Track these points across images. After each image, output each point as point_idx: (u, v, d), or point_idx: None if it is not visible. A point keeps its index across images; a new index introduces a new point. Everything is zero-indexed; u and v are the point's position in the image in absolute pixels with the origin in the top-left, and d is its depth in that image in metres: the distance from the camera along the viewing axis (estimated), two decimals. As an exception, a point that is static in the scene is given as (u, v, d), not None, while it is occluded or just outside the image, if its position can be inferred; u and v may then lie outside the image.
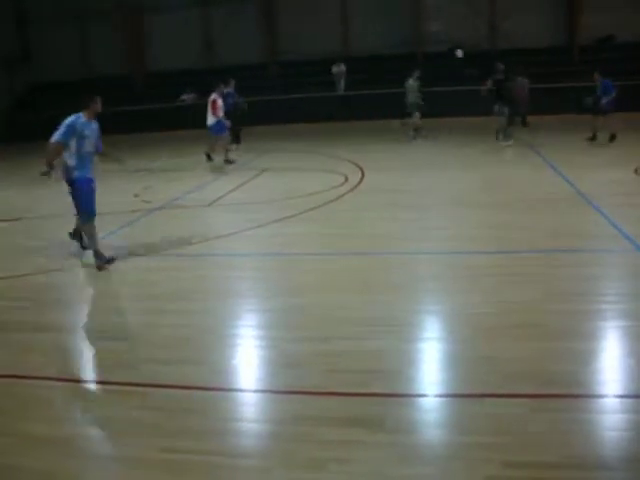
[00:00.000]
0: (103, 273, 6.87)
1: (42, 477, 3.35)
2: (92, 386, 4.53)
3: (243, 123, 16.56)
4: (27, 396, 4.24)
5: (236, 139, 16.04)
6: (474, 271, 6.27)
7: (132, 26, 25.56)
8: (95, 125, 6.98)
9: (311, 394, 4.03)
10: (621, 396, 3.86)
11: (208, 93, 14.01)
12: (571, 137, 15.07)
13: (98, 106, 6.94)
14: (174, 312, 5.62)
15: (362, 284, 6.10)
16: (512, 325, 4.87)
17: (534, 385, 3.95)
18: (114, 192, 10.85)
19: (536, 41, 22.25)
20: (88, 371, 4.79)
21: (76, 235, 7.57)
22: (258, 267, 7.12)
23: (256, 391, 4.28)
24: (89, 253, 7.20)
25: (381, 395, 4.00)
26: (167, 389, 4.22)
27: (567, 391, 3.87)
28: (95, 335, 5.36)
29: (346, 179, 11.45)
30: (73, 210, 7.24)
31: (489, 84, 15.12)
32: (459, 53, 22.88)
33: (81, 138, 6.76)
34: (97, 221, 7.09)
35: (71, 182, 6.91)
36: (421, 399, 4.02)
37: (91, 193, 6.94)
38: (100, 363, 4.88)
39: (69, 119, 6.78)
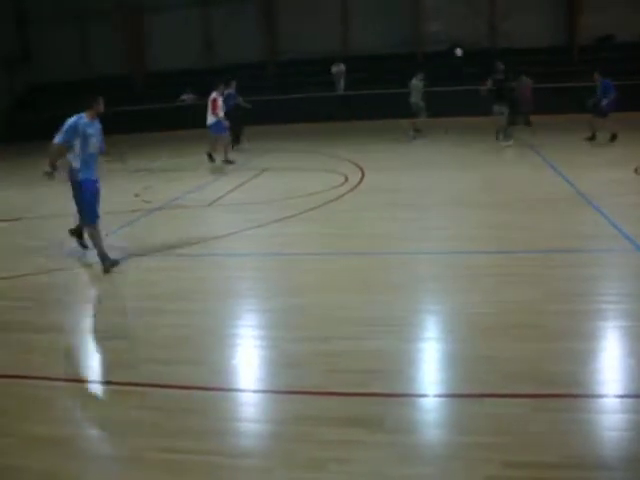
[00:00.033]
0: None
1: (42, 477, 3.35)
2: (92, 386, 4.53)
3: (245, 123, 16.56)
4: (28, 396, 4.24)
5: (236, 139, 16.04)
6: (474, 271, 6.27)
7: (132, 26, 25.59)
8: (98, 125, 6.93)
9: (311, 394, 4.03)
10: (621, 396, 3.86)
11: (207, 94, 14.03)
12: (571, 137, 15.07)
13: (100, 106, 6.88)
14: (174, 312, 5.61)
15: (362, 284, 6.09)
16: (512, 325, 4.87)
17: (534, 385, 3.95)
18: (114, 192, 10.81)
19: (536, 41, 22.26)
20: (88, 371, 4.80)
21: (76, 233, 7.56)
22: (258, 267, 7.12)
23: (256, 391, 4.28)
24: (91, 254, 7.17)
25: (381, 395, 4.00)
26: (167, 389, 4.22)
27: (567, 391, 3.87)
28: (95, 335, 5.38)
29: (346, 179, 11.45)
30: (73, 210, 7.24)
31: (489, 84, 15.10)
32: (458, 52, 22.89)
33: (85, 139, 6.68)
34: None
35: (76, 184, 6.89)
36: (421, 399, 4.02)
37: (96, 195, 6.88)
38: (100, 363, 4.89)
39: (71, 120, 6.70)
